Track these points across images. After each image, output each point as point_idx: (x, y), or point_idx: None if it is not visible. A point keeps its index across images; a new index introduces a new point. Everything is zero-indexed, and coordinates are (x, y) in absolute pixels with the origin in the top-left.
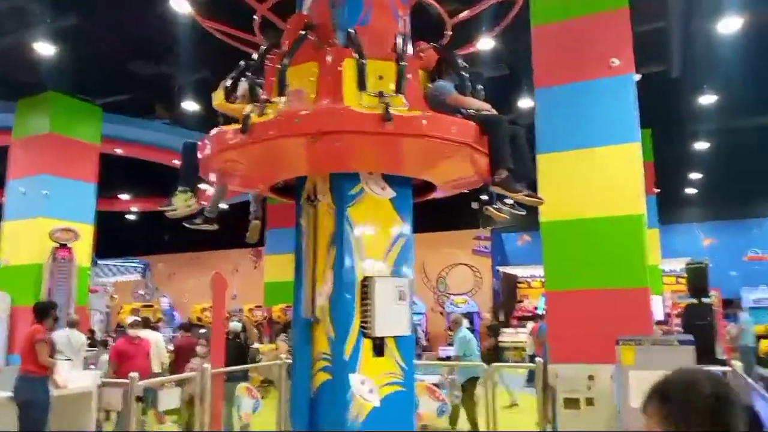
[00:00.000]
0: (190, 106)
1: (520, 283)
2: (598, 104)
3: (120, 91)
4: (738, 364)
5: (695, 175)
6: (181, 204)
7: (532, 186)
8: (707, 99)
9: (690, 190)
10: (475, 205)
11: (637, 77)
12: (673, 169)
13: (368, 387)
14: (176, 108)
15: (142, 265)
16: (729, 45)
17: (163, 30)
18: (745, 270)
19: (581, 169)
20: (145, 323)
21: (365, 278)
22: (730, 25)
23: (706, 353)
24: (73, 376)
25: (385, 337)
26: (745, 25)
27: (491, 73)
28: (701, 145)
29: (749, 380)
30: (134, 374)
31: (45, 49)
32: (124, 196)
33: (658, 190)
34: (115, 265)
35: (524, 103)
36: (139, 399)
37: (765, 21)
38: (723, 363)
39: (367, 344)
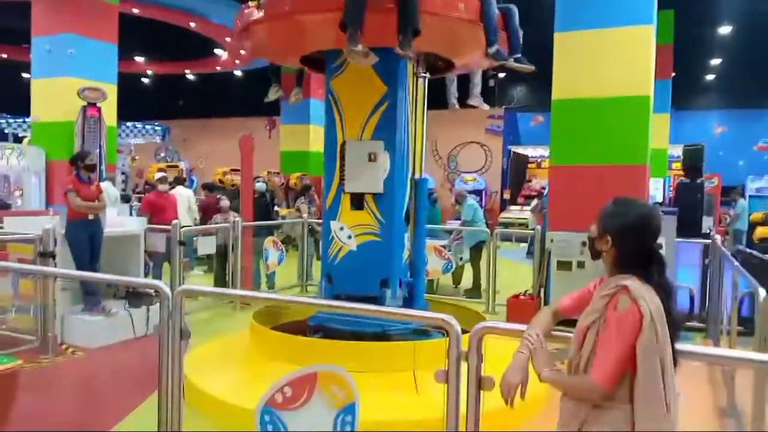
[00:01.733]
0: None
1: (530, 162)
2: None
3: None
4: (717, 237)
5: (715, 61)
6: (273, 95)
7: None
8: None
9: (708, 76)
10: (491, 83)
11: None
12: (694, 53)
13: (347, 233)
14: None
15: (162, 129)
16: None
17: None
18: (754, 159)
19: (596, 48)
20: (178, 181)
21: (342, 143)
22: None
23: (691, 226)
24: (123, 221)
25: (362, 193)
26: None
27: None
28: (724, 29)
29: (723, 248)
30: (176, 221)
31: None
32: (140, 59)
33: (675, 74)
34: (136, 127)
35: None
36: (181, 243)
37: None
38: (706, 236)
39: (345, 198)
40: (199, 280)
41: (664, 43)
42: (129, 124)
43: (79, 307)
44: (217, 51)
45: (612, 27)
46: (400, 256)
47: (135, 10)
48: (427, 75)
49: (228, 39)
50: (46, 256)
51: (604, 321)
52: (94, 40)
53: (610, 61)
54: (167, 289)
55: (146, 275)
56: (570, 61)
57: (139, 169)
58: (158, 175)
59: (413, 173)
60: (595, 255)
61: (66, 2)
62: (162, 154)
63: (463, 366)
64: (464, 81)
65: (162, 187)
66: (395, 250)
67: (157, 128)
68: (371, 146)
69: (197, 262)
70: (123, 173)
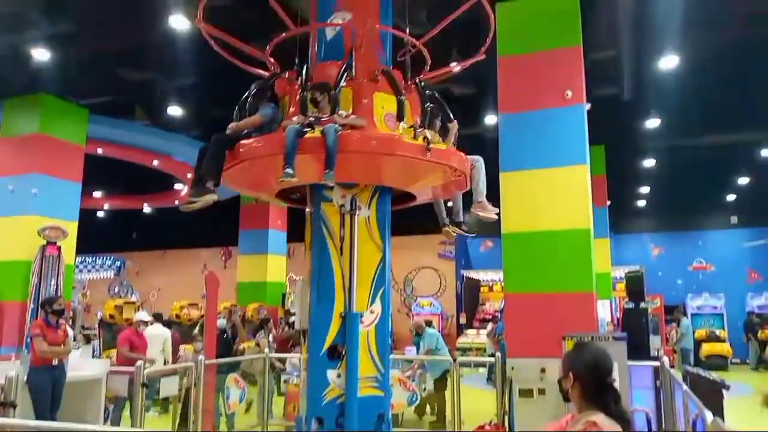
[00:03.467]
0: (173, 110)
1: (482, 286)
2: (554, 130)
3: (106, 93)
4: (665, 359)
5: (644, 189)
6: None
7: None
8: (653, 121)
9: (640, 202)
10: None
11: (588, 107)
12: (625, 182)
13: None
14: (159, 111)
15: (119, 262)
16: (670, 77)
17: (156, 40)
18: (691, 278)
19: (538, 186)
20: (157, 318)
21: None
22: (669, 62)
23: (639, 349)
24: (85, 363)
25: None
26: (682, 62)
27: (462, 92)
28: (649, 162)
29: (672, 372)
30: (140, 363)
31: (40, 54)
32: (98, 194)
33: (610, 202)
34: (90, 262)
35: (490, 119)
36: (144, 385)
37: (698, 59)
38: (655, 359)
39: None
40: (156, 424)
41: (598, 175)
42: (84, 259)
43: None
44: (177, 186)
45: (550, 167)
46: (319, 395)
47: (99, 150)
48: (360, 211)
49: (189, 175)
50: (7, 405)
51: None
52: (58, 180)
53: (552, 197)
54: None
55: (105, 420)
56: (515, 198)
57: (88, 305)
58: (141, 316)
59: (345, 308)
60: (565, 397)
61: (33, 143)
62: (116, 289)
63: None
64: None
65: (140, 326)
66: (312, 388)
67: (112, 263)
68: (301, 284)
69: (153, 402)
70: (72, 310)
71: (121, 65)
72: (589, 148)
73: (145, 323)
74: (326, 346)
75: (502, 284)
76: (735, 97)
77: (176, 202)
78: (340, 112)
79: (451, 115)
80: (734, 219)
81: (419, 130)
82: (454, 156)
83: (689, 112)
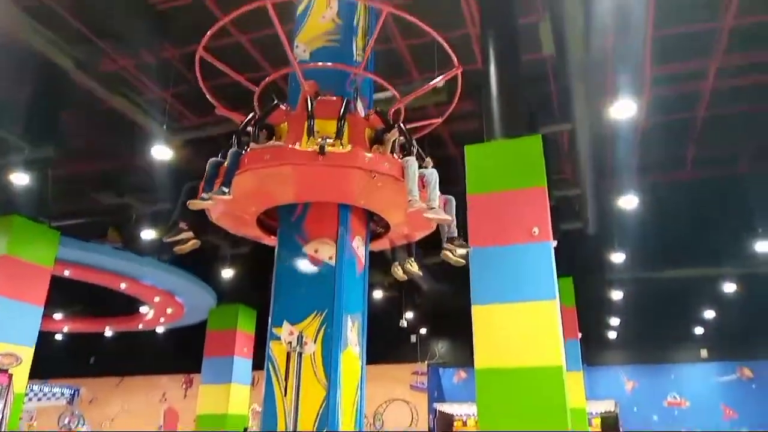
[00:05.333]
0: (146, 233)
1: (456, 420)
2: (522, 266)
3: (80, 215)
4: None
5: (614, 320)
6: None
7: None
8: (618, 255)
9: (611, 334)
10: (413, 339)
11: (555, 243)
12: (594, 313)
13: None
14: (132, 235)
15: (71, 391)
16: (631, 214)
17: (136, 166)
18: (666, 414)
19: (509, 321)
20: None
21: None
22: (629, 201)
23: None
24: None
25: None
26: (641, 201)
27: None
28: (617, 294)
29: None
30: None
31: (18, 178)
32: (57, 315)
33: (582, 334)
34: (41, 389)
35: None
36: None
37: (656, 198)
38: None
39: None
40: None
41: (568, 306)
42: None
43: None
44: (142, 309)
45: (520, 302)
46: None
47: (66, 272)
48: (306, 347)
49: (156, 299)
50: None
51: None
52: (20, 303)
53: (523, 332)
54: None
55: None
56: (487, 332)
57: None
58: None
59: None
60: None
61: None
62: (66, 420)
63: None
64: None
65: None
66: None
67: (65, 391)
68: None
69: None
70: None
71: (97, 189)
72: (557, 280)
73: None
74: None
75: (476, 419)
76: (693, 234)
77: (140, 326)
78: (273, 141)
79: (416, 148)
80: (704, 352)
81: (322, 139)
82: (359, 158)
83: (651, 246)
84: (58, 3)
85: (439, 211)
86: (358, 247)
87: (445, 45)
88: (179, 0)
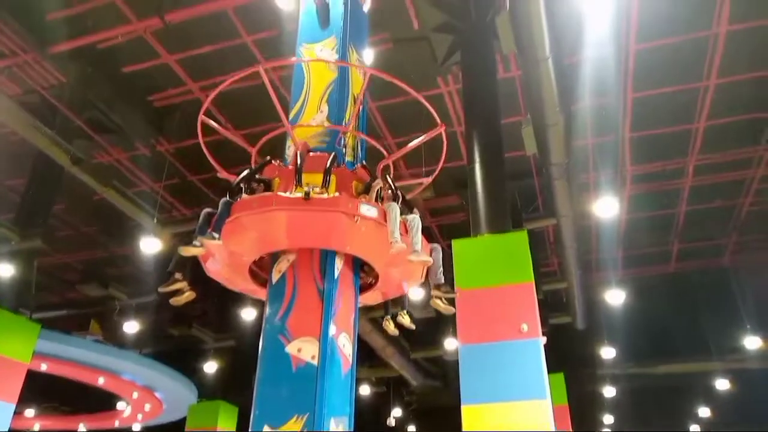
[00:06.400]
0: (129, 326)
1: None
2: (512, 364)
3: (61, 307)
4: None
5: (608, 419)
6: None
7: None
8: (608, 351)
9: None
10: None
11: (544, 340)
12: (587, 411)
13: None
14: (113, 327)
15: None
16: (619, 309)
17: (124, 258)
18: None
19: (500, 422)
20: None
21: None
22: (617, 296)
23: None
24: None
25: None
26: (628, 296)
27: (422, 315)
28: (609, 391)
29: None
30: None
31: (3, 269)
32: (29, 412)
33: None
34: None
35: (449, 343)
36: None
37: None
38: None
39: None
40: None
41: (560, 404)
42: None
43: None
44: (119, 405)
45: (511, 401)
46: None
47: (44, 366)
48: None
49: (135, 395)
50: None
51: None
52: None
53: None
54: None
55: None
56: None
57: None
58: None
59: None
60: None
61: None
62: None
63: None
64: None
65: None
66: None
67: None
68: None
69: None
70: None
71: (82, 280)
72: (548, 376)
73: None
74: None
75: None
76: (681, 328)
77: (116, 423)
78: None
79: (399, 194)
80: None
81: (309, 187)
82: (343, 202)
83: (641, 341)
84: (60, 100)
85: (421, 253)
86: (344, 345)
87: (430, 108)
88: (176, 98)
